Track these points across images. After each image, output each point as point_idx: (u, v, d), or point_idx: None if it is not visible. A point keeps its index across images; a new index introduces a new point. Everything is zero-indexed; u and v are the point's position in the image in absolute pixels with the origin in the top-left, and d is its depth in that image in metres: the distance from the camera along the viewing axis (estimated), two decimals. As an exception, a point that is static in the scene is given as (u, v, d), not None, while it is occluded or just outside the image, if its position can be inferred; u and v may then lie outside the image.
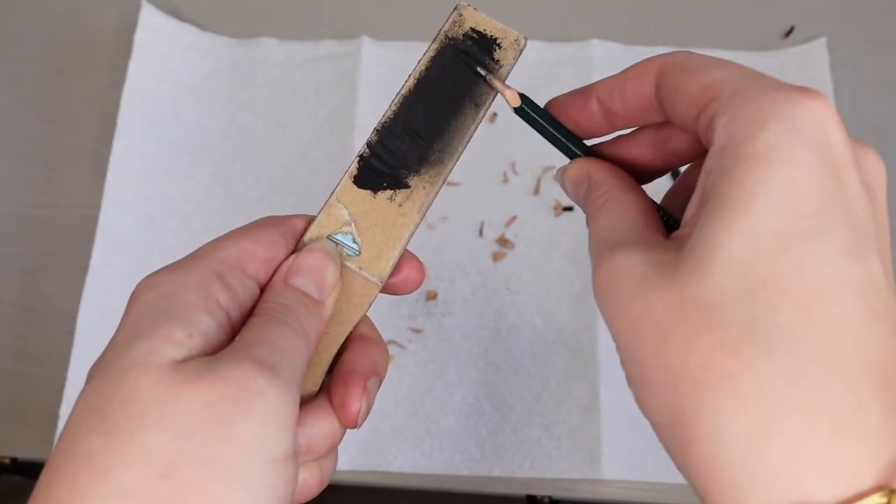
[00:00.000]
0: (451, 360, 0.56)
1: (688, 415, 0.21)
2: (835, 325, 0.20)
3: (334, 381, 0.29)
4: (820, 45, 0.65)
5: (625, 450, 0.53)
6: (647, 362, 0.22)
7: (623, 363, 0.23)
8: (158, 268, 0.27)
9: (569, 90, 0.30)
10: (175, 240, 0.60)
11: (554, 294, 0.58)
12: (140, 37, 0.65)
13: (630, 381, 0.23)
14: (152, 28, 0.65)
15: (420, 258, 0.31)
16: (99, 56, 0.67)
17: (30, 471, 0.56)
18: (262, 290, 0.28)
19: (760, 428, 0.20)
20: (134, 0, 0.66)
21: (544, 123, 0.29)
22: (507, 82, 0.30)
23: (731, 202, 0.21)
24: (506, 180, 0.61)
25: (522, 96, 0.29)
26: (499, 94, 0.30)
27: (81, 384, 0.60)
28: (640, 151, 0.29)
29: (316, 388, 0.29)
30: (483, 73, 0.30)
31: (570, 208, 0.60)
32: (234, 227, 0.64)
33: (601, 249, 0.25)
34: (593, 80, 0.70)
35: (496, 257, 0.59)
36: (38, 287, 0.59)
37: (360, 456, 0.53)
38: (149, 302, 0.25)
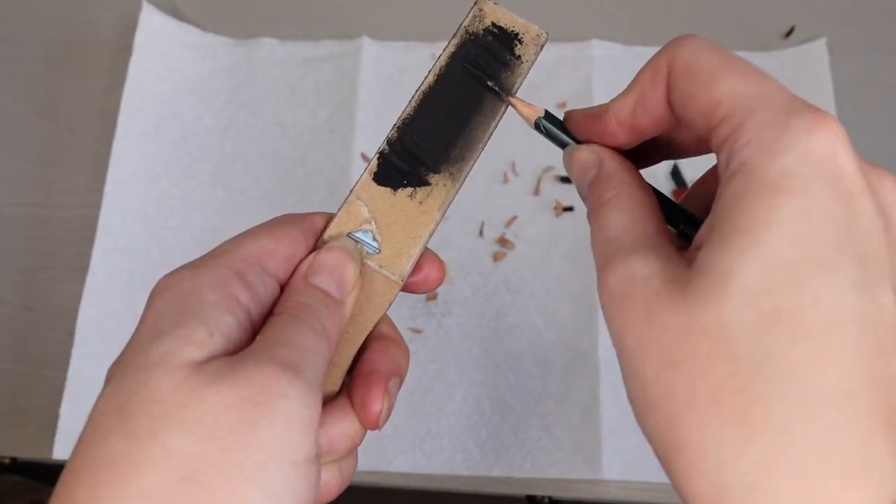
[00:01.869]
0: (451, 360, 0.56)
1: (691, 444, 0.21)
2: (846, 362, 0.20)
3: (355, 381, 0.28)
4: (820, 45, 0.65)
5: (625, 450, 0.53)
6: (652, 385, 0.22)
7: (625, 376, 0.23)
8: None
9: (570, 88, 0.29)
10: (175, 240, 0.60)
11: (554, 294, 0.58)
12: (140, 37, 0.65)
13: (631, 397, 0.23)
14: (152, 28, 0.65)
15: (449, 204, 0.30)
16: (99, 56, 0.67)
17: (30, 471, 0.56)
18: (283, 288, 0.28)
19: (765, 464, 0.20)
20: (134, 0, 0.66)
21: (565, 138, 0.29)
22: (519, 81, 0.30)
23: (745, 228, 0.21)
24: (506, 180, 0.61)
25: (545, 113, 0.29)
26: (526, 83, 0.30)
27: (81, 384, 0.60)
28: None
29: (336, 388, 0.29)
30: (496, 89, 0.29)
31: (570, 208, 0.60)
32: (233, 228, 0.64)
33: (614, 251, 0.24)
34: (593, 81, 0.70)
35: (496, 257, 0.59)
36: (38, 287, 0.59)
37: (360, 456, 0.53)
38: (169, 300, 0.25)
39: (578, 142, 0.28)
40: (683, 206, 0.28)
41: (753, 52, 0.66)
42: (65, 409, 0.54)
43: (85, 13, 0.69)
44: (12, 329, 0.58)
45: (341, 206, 0.29)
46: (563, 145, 0.29)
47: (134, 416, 0.22)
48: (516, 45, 0.30)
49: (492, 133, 0.30)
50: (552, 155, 0.62)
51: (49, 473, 0.57)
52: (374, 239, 0.29)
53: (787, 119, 0.22)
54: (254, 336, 0.25)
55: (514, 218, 0.60)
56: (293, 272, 0.28)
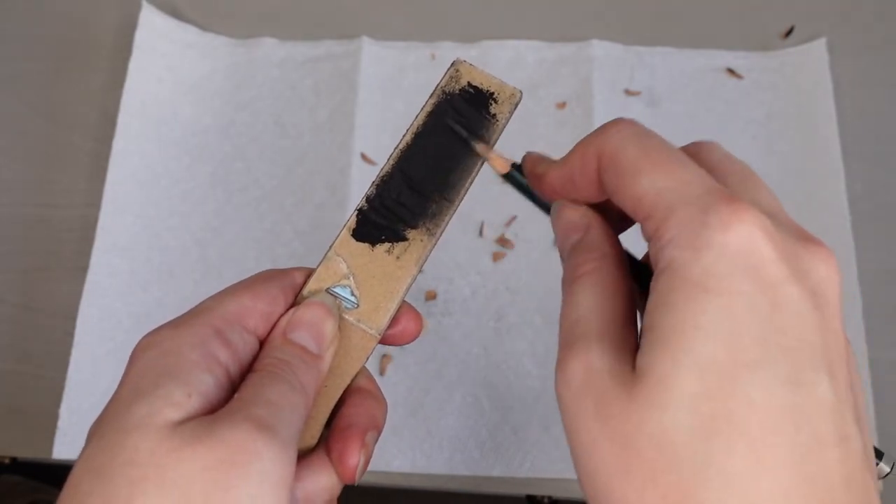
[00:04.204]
0: (451, 360, 0.56)
1: None
2: (782, 462, 0.20)
3: (332, 435, 0.29)
4: (820, 45, 0.65)
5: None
6: (602, 488, 0.22)
7: (577, 469, 0.23)
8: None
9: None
10: (175, 240, 0.60)
11: (554, 294, 0.58)
12: (140, 37, 0.65)
13: (584, 490, 0.23)
14: (152, 28, 0.65)
15: (426, 259, 0.31)
16: (99, 56, 0.67)
17: (30, 471, 0.56)
18: (262, 344, 0.28)
19: None
20: (134, 0, 0.66)
21: (532, 192, 0.29)
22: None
23: (674, 333, 0.21)
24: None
25: (513, 165, 0.29)
26: (503, 135, 0.31)
27: (81, 384, 0.60)
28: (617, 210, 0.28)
29: (314, 442, 0.29)
30: (467, 136, 0.30)
31: (570, 208, 0.60)
32: (233, 227, 0.64)
33: (577, 335, 0.24)
34: (593, 81, 0.70)
35: (496, 257, 0.59)
36: (38, 287, 0.59)
37: (360, 456, 0.53)
38: (150, 360, 0.26)
39: (534, 196, 0.29)
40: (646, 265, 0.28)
41: (753, 51, 0.66)
42: (64, 409, 0.54)
43: (85, 13, 0.69)
44: (12, 329, 0.58)
45: (320, 263, 0.30)
46: (531, 197, 0.29)
47: (113, 478, 0.23)
48: (491, 104, 0.31)
49: (468, 189, 0.31)
50: (552, 155, 0.62)
51: (49, 473, 0.57)
52: (353, 294, 0.29)
53: (704, 216, 0.22)
54: (232, 393, 0.26)
55: (514, 218, 0.60)
56: (272, 328, 0.28)
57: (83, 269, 0.58)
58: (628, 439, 0.22)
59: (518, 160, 0.30)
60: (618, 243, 0.27)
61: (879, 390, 0.55)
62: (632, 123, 0.25)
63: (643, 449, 0.21)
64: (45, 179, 0.63)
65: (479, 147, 0.30)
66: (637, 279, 0.27)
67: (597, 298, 0.25)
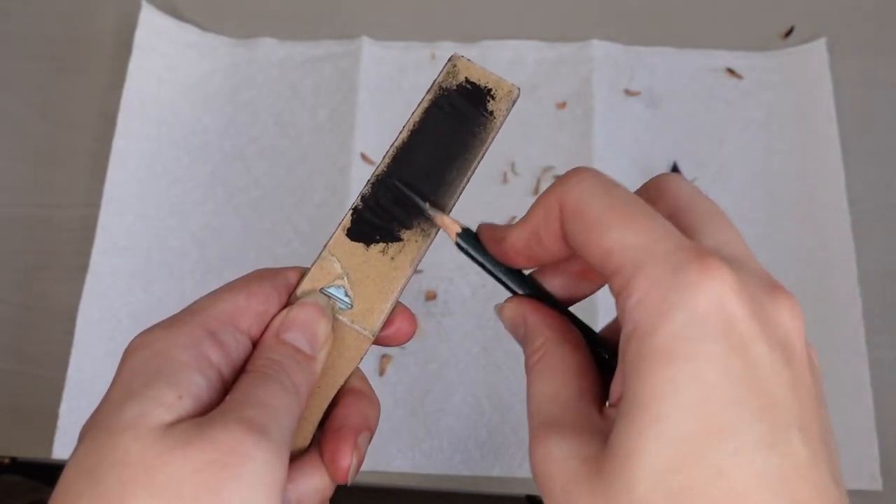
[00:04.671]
0: (451, 360, 0.56)
1: None
2: None
3: (325, 436, 0.29)
4: (820, 45, 0.65)
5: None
6: None
7: None
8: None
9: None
10: (175, 240, 0.60)
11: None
12: (140, 37, 0.65)
13: None
14: (152, 28, 0.65)
15: (420, 259, 0.31)
16: (99, 56, 0.67)
17: (30, 471, 0.56)
18: (255, 344, 0.28)
19: None
20: (134, 0, 0.66)
21: (480, 259, 0.28)
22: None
23: (643, 404, 0.21)
24: (505, 180, 0.61)
25: (463, 231, 0.29)
26: (501, 132, 0.31)
27: (81, 384, 0.60)
28: (577, 270, 0.28)
29: (307, 443, 0.29)
30: (423, 206, 0.29)
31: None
32: (233, 227, 0.64)
33: (537, 426, 0.24)
34: (593, 81, 0.70)
35: (496, 257, 0.59)
36: (38, 287, 0.59)
37: (360, 456, 0.53)
38: (141, 361, 0.25)
39: (494, 262, 0.28)
40: (604, 339, 0.28)
41: (753, 51, 0.66)
42: (64, 409, 0.54)
43: (85, 13, 0.69)
44: (12, 329, 0.58)
45: (314, 262, 0.29)
46: (480, 264, 0.29)
47: (103, 479, 0.23)
48: (489, 101, 0.31)
49: (464, 189, 0.30)
50: (552, 155, 0.62)
51: (49, 473, 0.57)
52: (347, 294, 0.29)
53: (672, 276, 0.22)
54: (225, 394, 0.26)
55: (514, 218, 0.60)
56: (265, 329, 0.28)
57: (83, 269, 0.58)
58: None
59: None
60: (559, 320, 0.27)
61: (879, 390, 0.55)
62: (594, 173, 0.25)
63: None
64: (45, 179, 0.63)
65: (436, 216, 0.29)
66: (599, 344, 0.27)
67: (547, 386, 0.25)
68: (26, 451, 0.55)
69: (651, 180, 0.26)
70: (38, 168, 0.63)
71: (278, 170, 0.62)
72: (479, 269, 0.29)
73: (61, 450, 0.53)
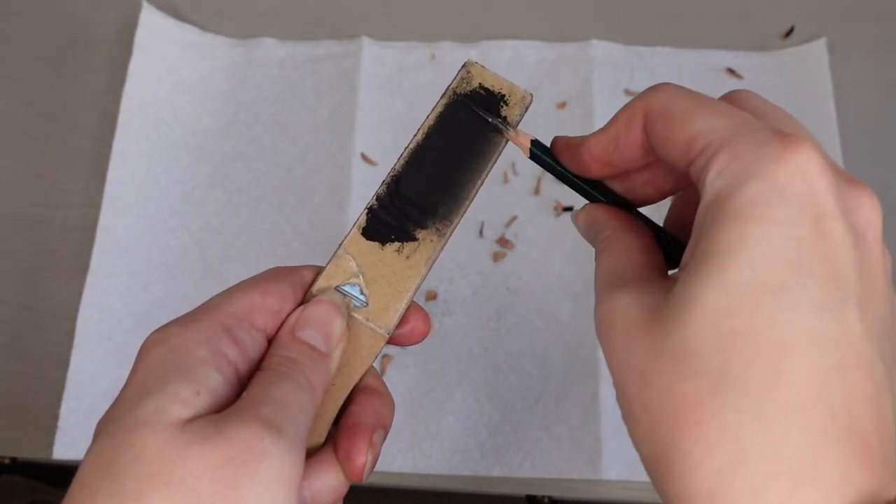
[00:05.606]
0: (451, 360, 0.56)
1: (664, 453, 0.22)
2: (800, 377, 0.21)
3: (340, 434, 0.29)
4: (820, 45, 0.65)
5: (625, 450, 0.53)
6: (632, 401, 0.23)
7: (616, 396, 0.25)
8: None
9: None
10: (175, 240, 0.60)
11: (554, 294, 0.58)
12: (140, 37, 0.65)
13: (622, 414, 0.25)
14: (152, 28, 0.65)
15: (436, 259, 0.31)
16: (99, 56, 0.67)
17: (30, 471, 0.56)
18: (270, 342, 0.28)
19: (723, 472, 0.21)
20: (134, 0, 0.66)
21: (555, 166, 0.30)
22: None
23: (710, 257, 0.22)
24: (506, 180, 0.61)
25: (533, 142, 0.30)
26: (510, 145, 0.31)
27: (81, 384, 0.60)
28: (644, 180, 0.29)
29: (321, 441, 0.29)
30: (495, 121, 0.31)
31: (570, 208, 0.60)
32: (233, 228, 0.64)
33: (602, 289, 0.26)
34: (593, 81, 0.70)
35: (496, 257, 0.59)
36: (38, 287, 0.59)
37: (360, 456, 0.53)
38: (158, 357, 0.26)
39: (564, 169, 0.30)
40: (671, 234, 0.29)
41: (753, 52, 0.66)
42: (65, 409, 0.54)
43: (85, 13, 0.69)
44: (12, 329, 0.58)
45: (330, 260, 0.30)
46: (553, 171, 0.30)
47: (121, 475, 0.23)
48: (502, 107, 0.31)
49: (478, 190, 0.31)
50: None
51: (49, 473, 0.57)
52: (362, 293, 0.29)
53: (757, 149, 0.23)
54: (241, 391, 0.26)
55: (514, 218, 0.60)
56: (281, 326, 0.28)
57: (83, 269, 0.58)
58: (651, 354, 0.23)
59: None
60: (625, 217, 0.29)
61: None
62: (675, 85, 0.26)
63: (665, 362, 0.22)
64: (45, 179, 0.63)
65: (506, 130, 0.31)
66: (664, 248, 0.28)
67: (612, 259, 0.27)
68: (26, 451, 0.55)
69: (726, 94, 0.27)
70: (38, 168, 0.63)
71: (278, 170, 0.62)
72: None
73: (61, 450, 0.53)
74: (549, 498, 0.54)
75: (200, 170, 0.62)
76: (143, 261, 0.59)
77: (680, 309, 0.22)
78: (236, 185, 0.62)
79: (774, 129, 0.23)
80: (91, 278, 0.57)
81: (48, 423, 0.54)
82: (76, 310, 0.56)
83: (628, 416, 0.24)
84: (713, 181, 0.23)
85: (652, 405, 0.23)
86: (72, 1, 0.69)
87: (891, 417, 0.22)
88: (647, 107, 0.26)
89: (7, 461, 0.55)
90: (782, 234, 0.22)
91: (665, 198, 0.30)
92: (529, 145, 0.30)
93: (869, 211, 0.24)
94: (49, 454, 0.53)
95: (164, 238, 0.60)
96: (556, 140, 0.30)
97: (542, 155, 0.30)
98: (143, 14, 0.65)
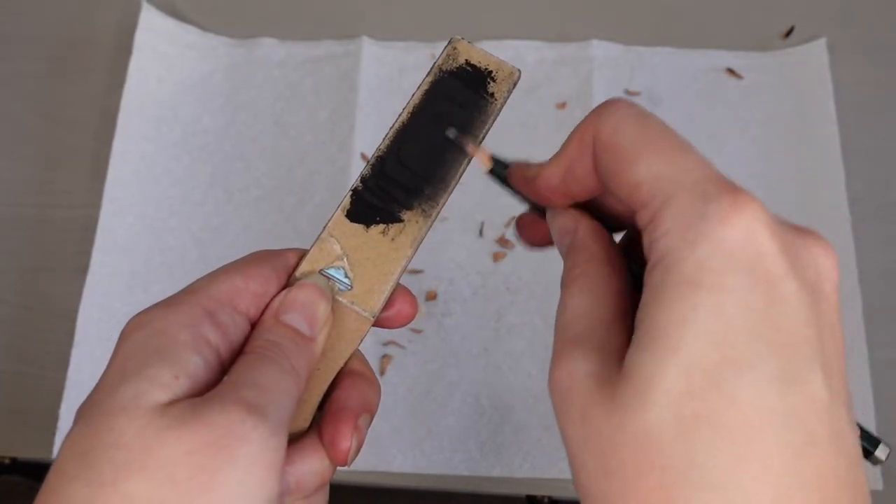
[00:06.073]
0: (451, 360, 0.56)
1: None
2: (768, 462, 0.20)
3: (325, 418, 0.28)
4: (820, 45, 0.65)
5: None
6: (591, 486, 0.22)
7: (573, 473, 0.23)
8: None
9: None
10: (175, 240, 0.60)
11: (554, 294, 0.58)
12: (140, 37, 0.65)
13: (579, 494, 0.23)
14: (152, 28, 0.65)
15: (420, 258, 0.31)
16: (99, 56, 0.67)
17: (30, 471, 0.56)
18: (254, 326, 0.28)
19: None
20: (134, 0, 0.66)
21: (513, 189, 0.29)
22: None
23: (663, 331, 0.21)
24: (506, 180, 0.61)
25: (495, 164, 0.29)
26: (498, 120, 0.30)
27: (81, 384, 0.60)
28: (611, 203, 0.28)
29: (306, 425, 0.29)
30: (453, 136, 0.30)
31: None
32: (233, 228, 0.64)
33: (564, 341, 0.24)
34: (593, 81, 0.70)
35: (496, 257, 0.59)
36: (38, 287, 0.59)
37: (360, 456, 0.53)
38: (138, 341, 0.25)
39: (522, 196, 0.28)
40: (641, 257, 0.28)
41: (753, 52, 0.66)
42: (65, 409, 0.54)
43: (85, 13, 0.69)
44: (12, 329, 0.58)
45: (314, 243, 0.29)
46: (516, 196, 0.29)
47: (98, 462, 0.22)
48: (489, 83, 0.31)
49: (464, 170, 0.30)
50: (551, 155, 0.62)
51: (49, 473, 0.57)
52: (346, 276, 0.29)
53: (703, 206, 0.21)
54: (222, 375, 0.25)
55: (514, 218, 0.60)
56: (264, 310, 0.28)
57: (83, 269, 0.58)
58: (610, 441, 0.21)
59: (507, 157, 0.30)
60: (609, 243, 0.27)
61: (879, 390, 0.55)
62: (629, 104, 0.24)
63: (625, 450, 0.21)
64: (45, 179, 0.63)
65: (468, 146, 0.30)
66: (635, 274, 0.26)
67: (583, 302, 0.25)
68: (26, 451, 0.55)
69: (603, 105, 0.26)
70: (38, 168, 0.63)
71: (278, 170, 0.62)
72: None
73: (61, 450, 0.53)
74: (549, 498, 0.54)
75: (200, 170, 0.62)
76: (143, 261, 0.59)
77: (638, 390, 0.21)
78: (236, 185, 0.62)
79: (722, 180, 0.22)
80: (91, 278, 0.57)
81: (48, 423, 0.54)
82: (76, 310, 0.56)
83: (586, 498, 0.22)
84: (659, 239, 0.22)
85: (612, 499, 0.21)
86: (72, 1, 0.69)
87: (866, 489, 0.21)
88: (595, 132, 0.24)
89: (7, 461, 0.55)
90: (736, 303, 0.20)
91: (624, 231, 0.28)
92: (490, 165, 0.29)
93: (823, 261, 0.22)
94: (49, 454, 0.53)
95: (163, 238, 0.60)
96: (510, 172, 0.29)
97: (502, 184, 0.29)
98: (142, 14, 0.65)
